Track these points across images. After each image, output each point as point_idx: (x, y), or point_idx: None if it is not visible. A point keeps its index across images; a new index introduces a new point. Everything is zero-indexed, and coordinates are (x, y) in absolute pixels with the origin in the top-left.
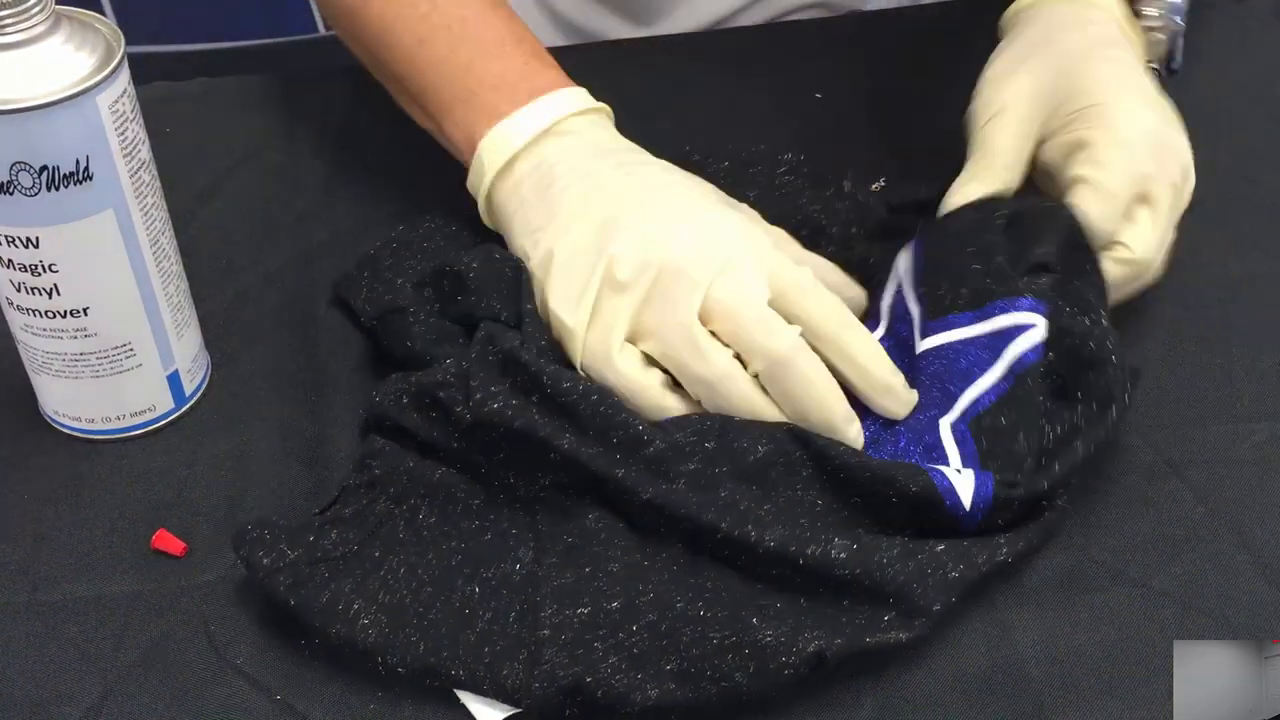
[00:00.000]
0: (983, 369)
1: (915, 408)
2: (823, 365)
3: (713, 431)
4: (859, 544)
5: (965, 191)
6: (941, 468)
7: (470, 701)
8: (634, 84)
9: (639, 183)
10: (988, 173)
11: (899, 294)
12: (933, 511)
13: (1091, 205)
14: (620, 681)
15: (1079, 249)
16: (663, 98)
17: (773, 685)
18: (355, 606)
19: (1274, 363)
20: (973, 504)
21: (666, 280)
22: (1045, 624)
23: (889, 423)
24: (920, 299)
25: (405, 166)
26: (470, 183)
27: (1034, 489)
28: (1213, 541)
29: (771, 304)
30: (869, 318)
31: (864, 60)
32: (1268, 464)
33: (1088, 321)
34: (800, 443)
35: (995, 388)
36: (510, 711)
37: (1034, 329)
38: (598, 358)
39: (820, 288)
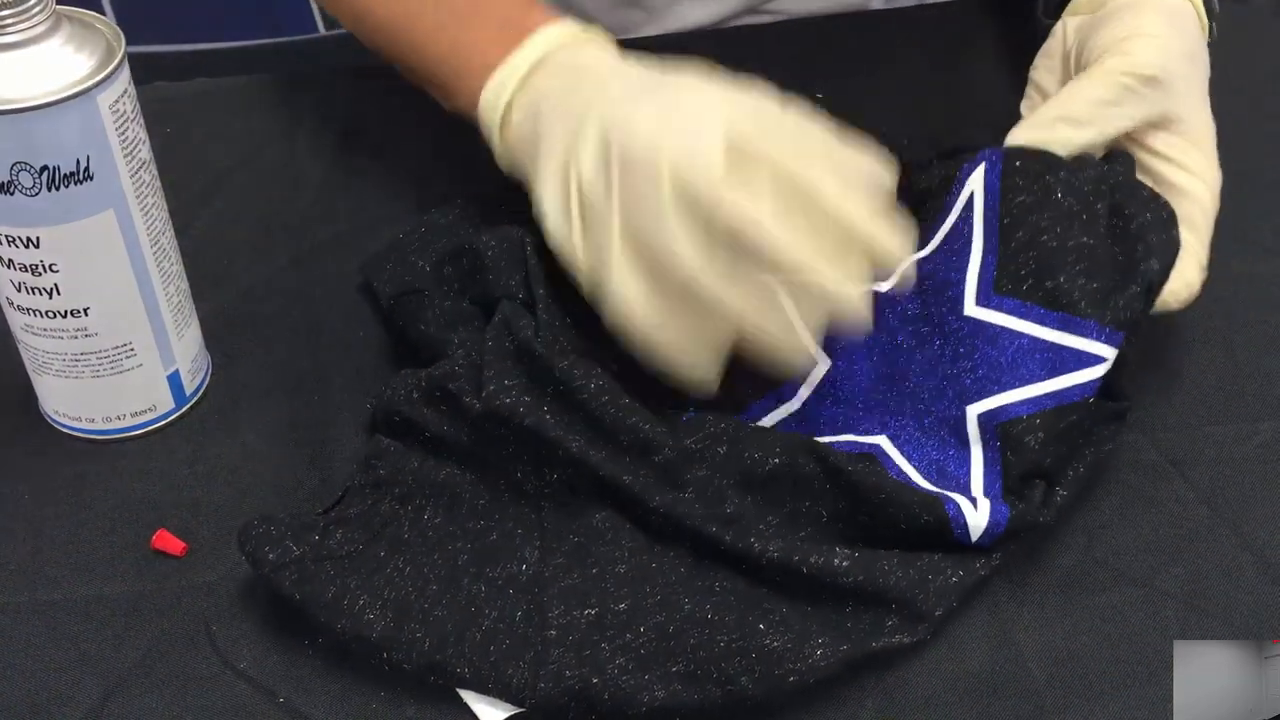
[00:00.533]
0: (1033, 378)
1: (940, 378)
2: (783, 242)
3: (725, 436)
4: (860, 553)
5: (1063, 146)
6: (957, 498)
7: (473, 701)
8: None
9: (615, 83)
10: (1091, 136)
11: (963, 218)
12: (940, 540)
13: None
14: (627, 682)
15: (1165, 270)
16: None
17: (777, 691)
18: (361, 601)
19: (1277, 362)
20: (978, 540)
21: (629, 175)
22: (1047, 624)
23: (917, 387)
24: (992, 246)
25: (405, 166)
26: (487, 145)
27: (1042, 521)
28: (1215, 542)
29: (735, 156)
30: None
31: (864, 60)
32: (1271, 464)
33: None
34: (816, 458)
35: (1039, 401)
36: (513, 711)
37: (1101, 364)
38: (593, 281)
39: (781, 127)
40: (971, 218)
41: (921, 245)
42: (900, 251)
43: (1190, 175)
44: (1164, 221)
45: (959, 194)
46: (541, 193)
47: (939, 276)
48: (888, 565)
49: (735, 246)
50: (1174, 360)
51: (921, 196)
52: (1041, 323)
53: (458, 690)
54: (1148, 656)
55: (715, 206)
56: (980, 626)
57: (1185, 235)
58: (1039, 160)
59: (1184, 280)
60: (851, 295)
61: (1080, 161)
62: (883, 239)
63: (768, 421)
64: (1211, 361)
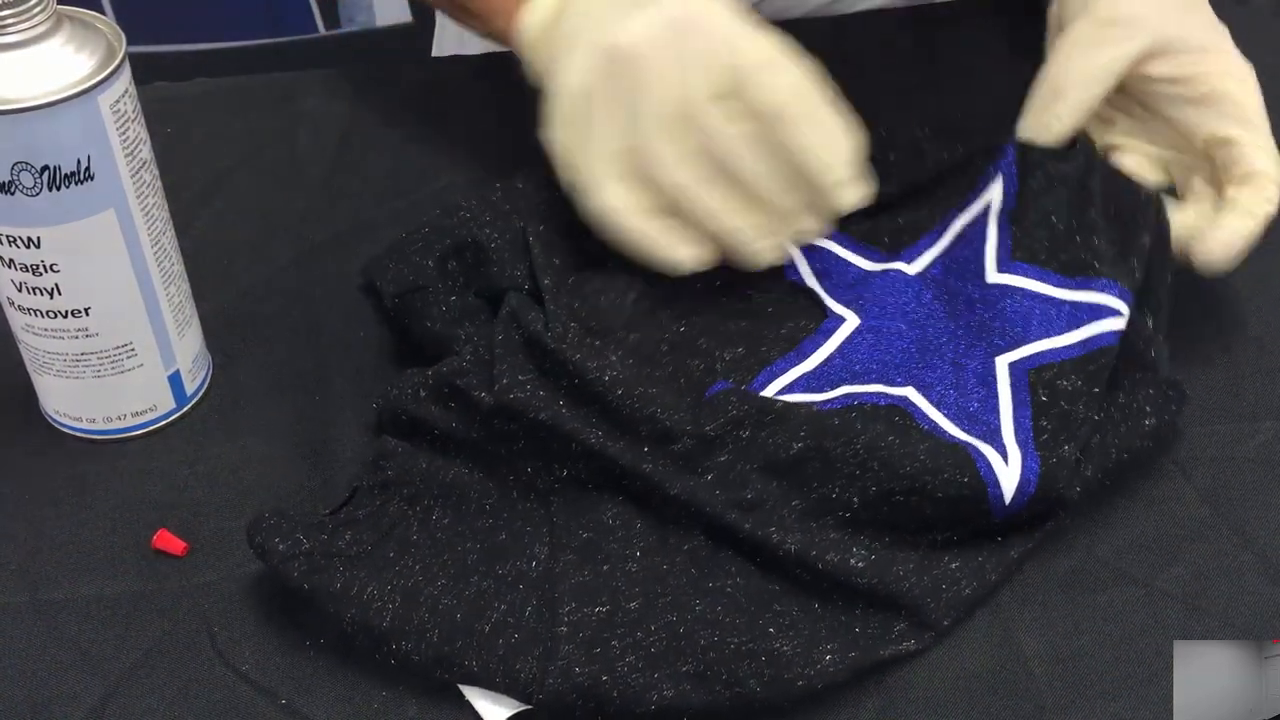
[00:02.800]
0: (1057, 330)
1: (968, 338)
2: (765, 169)
3: (748, 420)
4: (877, 555)
5: (1054, 119)
6: (987, 452)
7: (476, 699)
8: None
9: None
10: (1074, 103)
11: (981, 217)
12: (974, 506)
13: (1266, 162)
14: (636, 681)
15: (1163, 244)
16: None
17: (785, 695)
18: (370, 590)
19: (1278, 362)
20: (1013, 500)
21: (615, 85)
22: (1048, 624)
23: (945, 347)
24: (1005, 228)
25: (405, 166)
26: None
27: (1069, 494)
28: (1216, 541)
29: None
30: (928, 232)
31: (864, 60)
32: (1272, 463)
33: (1151, 325)
34: (843, 441)
35: (1065, 350)
36: (517, 709)
37: (1118, 316)
38: (579, 186)
39: (768, 68)
40: (987, 215)
41: (930, 229)
42: (851, 206)
43: (1213, 75)
44: (1146, 201)
45: (974, 200)
46: (548, 106)
47: (958, 257)
48: (902, 570)
49: (712, 164)
50: (1175, 360)
51: (912, 178)
52: (1060, 285)
53: (461, 689)
54: (1148, 656)
55: (700, 126)
56: (981, 626)
57: (1239, 133)
58: (1037, 152)
59: (1263, 194)
60: (806, 230)
61: (1070, 153)
62: (837, 200)
63: (786, 379)
64: (1214, 360)
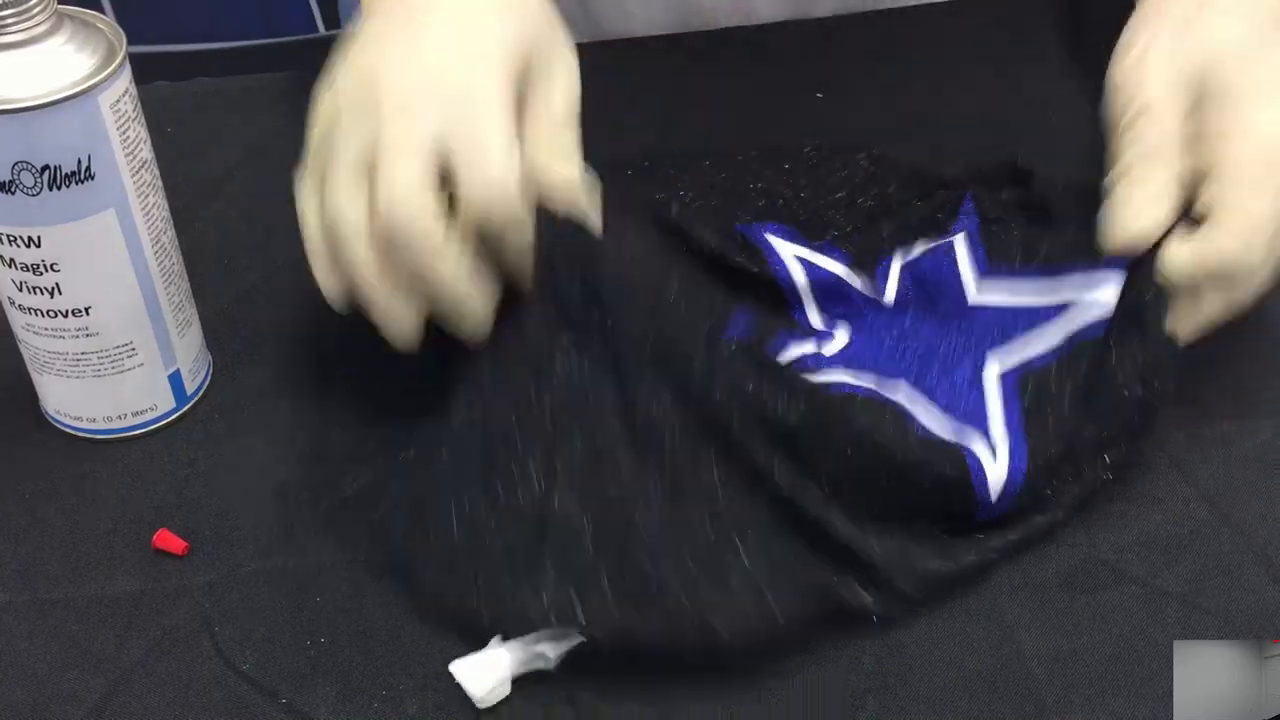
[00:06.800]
0: (1041, 334)
1: (965, 338)
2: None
3: (754, 371)
4: (855, 527)
5: (1143, 222)
6: (978, 451)
7: (462, 676)
8: (632, 85)
9: (384, 19)
10: (1153, 198)
11: (948, 245)
12: (959, 498)
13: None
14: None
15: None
16: (662, 98)
17: (746, 632)
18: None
19: (1278, 362)
20: (999, 497)
21: (326, 123)
22: (1048, 623)
23: (933, 361)
24: (976, 245)
25: None
26: None
27: (1054, 496)
28: (1216, 540)
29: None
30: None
31: (864, 60)
32: (1272, 462)
33: (1134, 302)
34: (840, 418)
35: (1051, 353)
36: (501, 681)
37: (1100, 306)
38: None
39: (474, 165)
40: (953, 244)
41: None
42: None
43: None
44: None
45: (941, 249)
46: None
47: (934, 281)
48: (876, 543)
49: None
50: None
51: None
52: (1040, 280)
53: (450, 669)
54: (1149, 655)
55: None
56: (981, 624)
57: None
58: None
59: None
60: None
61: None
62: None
63: (791, 353)
64: (1212, 361)
